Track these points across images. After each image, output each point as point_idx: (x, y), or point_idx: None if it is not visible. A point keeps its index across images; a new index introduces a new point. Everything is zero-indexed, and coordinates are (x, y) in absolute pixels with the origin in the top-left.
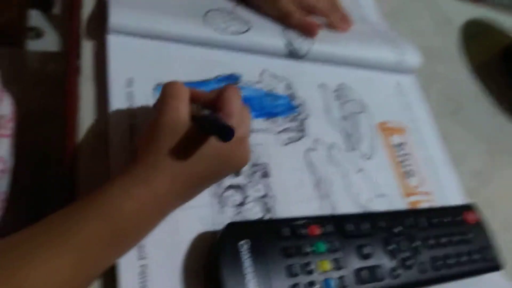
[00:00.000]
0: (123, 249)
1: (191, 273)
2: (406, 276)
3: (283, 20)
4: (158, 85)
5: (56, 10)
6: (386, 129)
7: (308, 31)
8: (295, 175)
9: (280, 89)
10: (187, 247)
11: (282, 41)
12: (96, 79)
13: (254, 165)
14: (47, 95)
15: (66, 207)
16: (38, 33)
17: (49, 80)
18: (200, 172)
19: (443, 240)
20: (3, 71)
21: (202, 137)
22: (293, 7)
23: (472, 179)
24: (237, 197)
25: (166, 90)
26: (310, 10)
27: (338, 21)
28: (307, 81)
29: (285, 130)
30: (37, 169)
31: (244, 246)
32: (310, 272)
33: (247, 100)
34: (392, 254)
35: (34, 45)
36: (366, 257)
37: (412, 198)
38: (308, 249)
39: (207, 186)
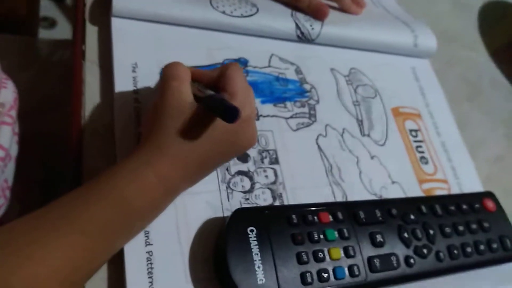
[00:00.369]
0: (129, 233)
1: (198, 259)
2: (421, 265)
3: (293, 2)
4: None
5: (69, 0)
6: (400, 114)
7: (318, 13)
8: (305, 162)
9: (289, 74)
10: (194, 233)
11: (291, 24)
12: (101, 64)
13: (263, 151)
14: (56, 82)
15: (71, 192)
16: (51, 23)
17: (58, 68)
18: (205, 153)
19: (461, 228)
20: (13, 59)
21: (207, 117)
22: None
23: (491, 165)
24: (245, 183)
25: (167, 71)
26: None
27: (350, 4)
28: (317, 65)
29: (295, 115)
30: (45, 157)
31: (252, 233)
32: (320, 260)
33: (255, 85)
34: (407, 242)
35: (47, 35)
36: (379, 245)
37: (427, 186)
38: (319, 236)
39: (214, 168)
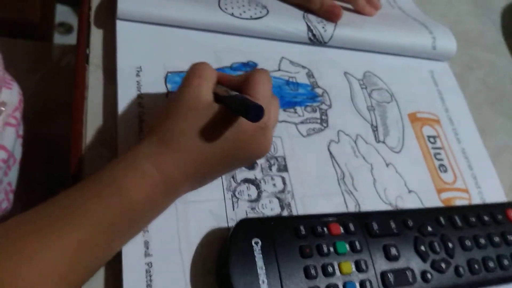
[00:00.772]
0: (127, 231)
1: (200, 272)
2: (438, 280)
3: (304, 4)
4: (169, 73)
5: None
6: (418, 120)
7: (330, 15)
8: (316, 169)
9: (300, 78)
10: (197, 244)
11: (303, 26)
12: (105, 67)
13: (271, 157)
14: (63, 86)
15: (70, 188)
16: (68, 29)
17: (66, 72)
18: (219, 153)
19: (482, 241)
20: (22, 63)
21: (225, 118)
22: None
23: None
24: (252, 192)
25: (191, 70)
26: None
27: (364, 5)
28: (330, 68)
29: (305, 120)
30: (49, 161)
31: (257, 245)
32: (330, 275)
33: None
34: (423, 256)
35: (63, 40)
36: (393, 258)
37: (446, 195)
38: (328, 249)
39: (219, 173)
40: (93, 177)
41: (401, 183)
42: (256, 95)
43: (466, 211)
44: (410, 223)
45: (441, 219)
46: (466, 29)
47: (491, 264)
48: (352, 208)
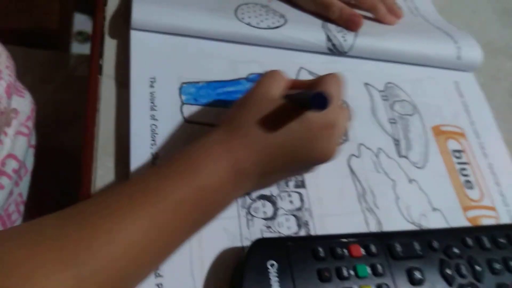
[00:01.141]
0: (201, 217)
1: None
2: None
3: (323, 12)
4: (183, 84)
5: None
6: (442, 134)
7: (350, 24)
8: (335, 185)
9: None
10: (209, 264)
11: (322, 35)
12: (118, 78)
13: None
14: (77, 96)
15: (148, 170)
16: (86, 37)
17: (80, 82)
18: (283, 146)
19: None
20: (37, 72)
21: (292, 112)
22: None
23: None
24: (267, 209)
25: (265, 73)
26: (354, 2)
27: (385, 13)
28: (350, 79)
29: None
30: (61, 172)
31: (273, 267)
32: None
33: None
34: (449, 280)
35: (81, 49)
36: (417, 283)
37: (473, 213)
38: (348, 273)
39: (286, 171)
40: (166, 162)
41: (424, 200)
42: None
43: (495, 231)
44: (435, 244)
45: (468, 239)
46: (492, 39)
47: None
48: (373, 228)
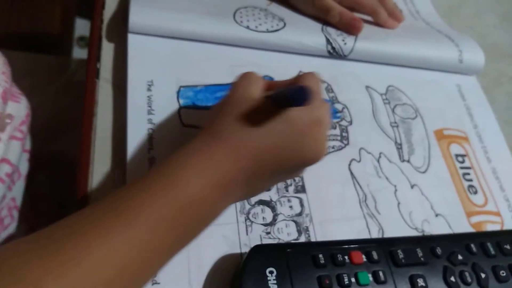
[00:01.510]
0: (184, 234)
1: None
2: None
3: (323, 17)
4: (181, 88)
5: None
6: (445, 137)
7: (350, 28)
8: (336, 190)
9: None
10: (207, 271)
11: (322, 39)
12: (115, 82)
13: None
14: (75, 101)
15: (119, 189)
16: (87, 42)
17: (78, 87)
18: (269, 147)
19: None
20: (38, 76)
21: (274, 112)
22: (334, 2)
23: None
24: (266, 214)
25: (239, 76)
26: (354, 6)
27: (386, 18)
28: (350, 83)
29: None
30: (58, 177)
31: (272, 274)
32: None
33: None
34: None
35: (83, 54)
36: None
37: (477, 219)
38: (349, 280)
39: (278, 174)
40: (144, 176)
41: (427, 206)
42: None
43: (500, 237)
44: (439, 250)
45: (472, 246)
46: (494, 42)
47: None
48: (375, 234)
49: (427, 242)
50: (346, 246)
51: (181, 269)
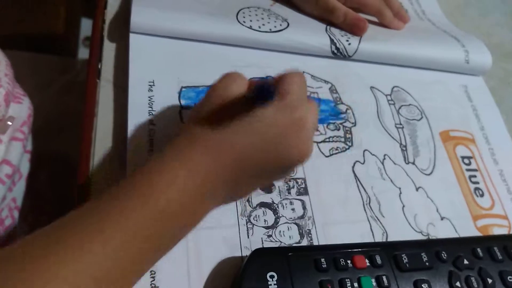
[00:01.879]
0: (165, 241)
1: None
2: None
3: (327, 17)
4: (183, 88)
5: None
6: (451, 139)
7: (355, 29)
8: (339, 193)
9: (323, 93)
10: (207, 275)
11: (326, 39)
12: (116, 83)
13: (290, 180)
14: (77, 101)
15: (97, 197)
16: None
17: (81, 87)
18: (243, 146)
19: None
20: (42, 77)
21: (249, 107)
22: (338, 3)
23: None
24: (268, 217)
25: (222, 76)
26: (359, 6)
27: (392, 18)
28: (355, 83)
29: (328, 139)
30: (58, 178)
31: (273, 279)
32: None
33: None
34: None
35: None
36: None
37: (483, 222)
38: (352, 285)
39: (263, 176)
40: (121, 184)
41: (432, 209)
42: (288, 91)
43: (507, 241)
44: (444, 255)
45: (479, 250)
46: (501, 42)
47: None
48: (379, 237)
49: (432, 246)
50: (349, 250)
51: (181, 273)
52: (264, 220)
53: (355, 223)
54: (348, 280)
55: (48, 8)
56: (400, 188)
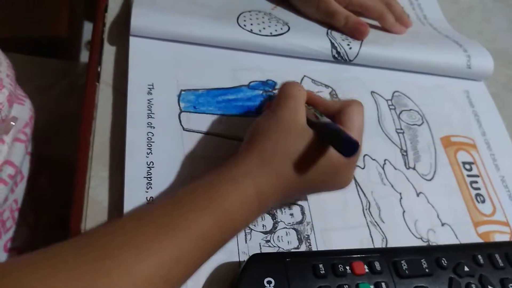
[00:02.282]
0: (219, 246)
1: None
2: None
3: (328, 21)
4: (182, 91)
5: None
6: (452, 144)
7: (356, 33)
8: (338, 198)
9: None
10: (204, 281)
11: (326, 43)
12: (116, 86)
13: None
14: (78, 104)
15: (165, 199)
16: None
17: (82, 90)
18: (304, 182)
19: None
20: (43, 80)
21: (319, 145)
22: (339, 6)
23: None
24: (266, 222)
25: (285, 90)
26: (361, 10)
27: (393, 22)
28: (355, 87)
29: None
30: (58, 180)
31: (270, 285)
32: None
33: None
34: None
35: None
36: None
37: (484, 229)
38: None
39: (304, 195)
40: (189, 191)
41: (433, 214)
42: (352, 128)
43: (508, 248)
44: (444, 262)
45: (479, 257)
46: (504, 47)
47: None
48: (378, 243)
49: (433, 252)
50: (348, 256)
51: None
52: (263, 225)
53: (354, 228)
54: (347, 286)
55: (51, 12)
56: (400, 193)
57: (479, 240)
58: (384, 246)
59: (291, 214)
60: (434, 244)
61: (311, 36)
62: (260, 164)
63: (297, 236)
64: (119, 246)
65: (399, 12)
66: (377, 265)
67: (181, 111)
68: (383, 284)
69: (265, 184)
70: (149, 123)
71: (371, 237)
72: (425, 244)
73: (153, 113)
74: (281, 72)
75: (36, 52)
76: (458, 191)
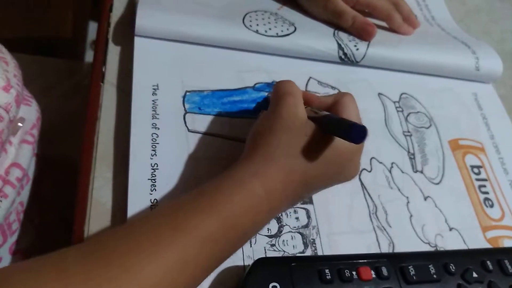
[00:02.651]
0: (230, 247)
1: None
2: None
3: (335, 21)
4: (187, 92)
5: None
6: (460, 148)
7: (363, 33)
8: (345, 201)
9: None
10: (208, 285)
11: (333, 44)
12: (120, 86)
13: None
14: (82, 104)
15: (172, 202)
16: None
17: (86, 90)
18: (314, 174)
19: None
20: (48, 80)
21: (323, 138)
22: (347, 7)
23: None
24: (271, 225)
25: (281, 87)
26: (368, 10)
27: (401, 23)
28: (362, 89)
29: None
30: (62, 181)
31: None
32: None
33: None
34: None
35: None
36: None
37: (493, 234)
38: None
39: (312, 193)
40: (197, 193)
41: (441, 219)
42: (350, 116)
43: None
44: (452, 267)
45: (488, 263)
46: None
47: None
48: (385, 248)
49: (440, 258)
50: (354, 261)
51: None
52: (268, 228)
53: (361, 233)
54: None
55: (56, 12)
56: (408, 197)
57: (488, 245)
58: (391, 251)
59: (297, 218)
60: (442, 249)
61: (318, 37)
62: (266, 162)
63: (303, 240)
64: (125, 252)
65: (407, 12)
66: (384, 270)
67: (186, 112)
68: None
69: (273, 182)
70: (154, 124)
71: (378, 241)
72: (432, 249)
73: (158, 114)
74: (287, 73)
75: (41, 52)
76: (466, 195)
